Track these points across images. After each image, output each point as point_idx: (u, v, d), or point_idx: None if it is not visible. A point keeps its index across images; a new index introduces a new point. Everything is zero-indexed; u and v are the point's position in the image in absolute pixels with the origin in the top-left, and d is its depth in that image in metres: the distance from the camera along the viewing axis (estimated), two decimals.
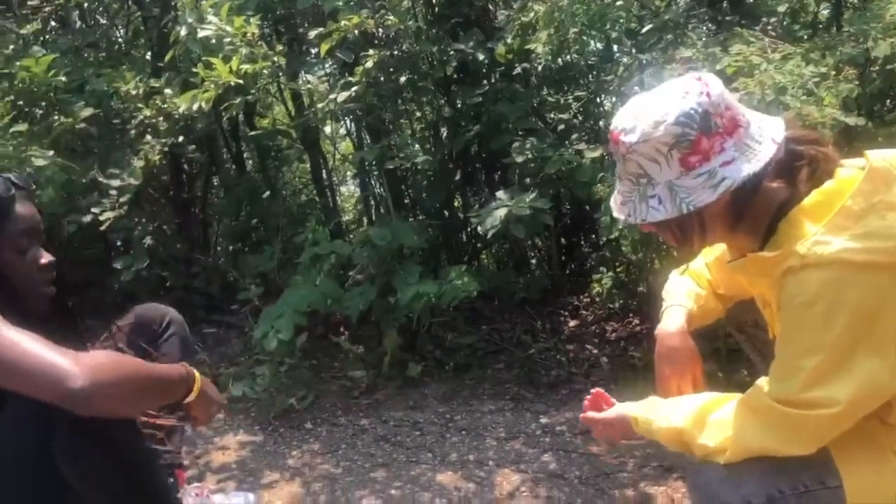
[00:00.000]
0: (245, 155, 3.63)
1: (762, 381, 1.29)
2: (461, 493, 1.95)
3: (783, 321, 1.24)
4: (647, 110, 1.24)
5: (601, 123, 3.10)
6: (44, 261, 1.51)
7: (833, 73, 2.02)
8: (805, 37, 2.33)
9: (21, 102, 2.70)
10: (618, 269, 2.95)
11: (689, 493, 1.38)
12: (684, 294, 1.62)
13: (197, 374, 1.47)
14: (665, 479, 1.94)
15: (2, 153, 2.37)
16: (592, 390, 1.55)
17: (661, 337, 1.55)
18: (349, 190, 4.25)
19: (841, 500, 1.25)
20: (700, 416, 1.39)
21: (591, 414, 1.50)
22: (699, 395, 1.45)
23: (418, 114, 2.97)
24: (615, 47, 2.96)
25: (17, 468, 1.34)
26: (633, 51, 2.75)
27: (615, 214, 1.32)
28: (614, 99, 3.07)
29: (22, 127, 2.58)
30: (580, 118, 3.00)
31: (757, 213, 1.29)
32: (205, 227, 3.48)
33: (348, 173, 3.99)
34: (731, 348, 2.33)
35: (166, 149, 2.79)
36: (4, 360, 1.23)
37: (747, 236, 1.34)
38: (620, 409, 1.49)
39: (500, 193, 2.36)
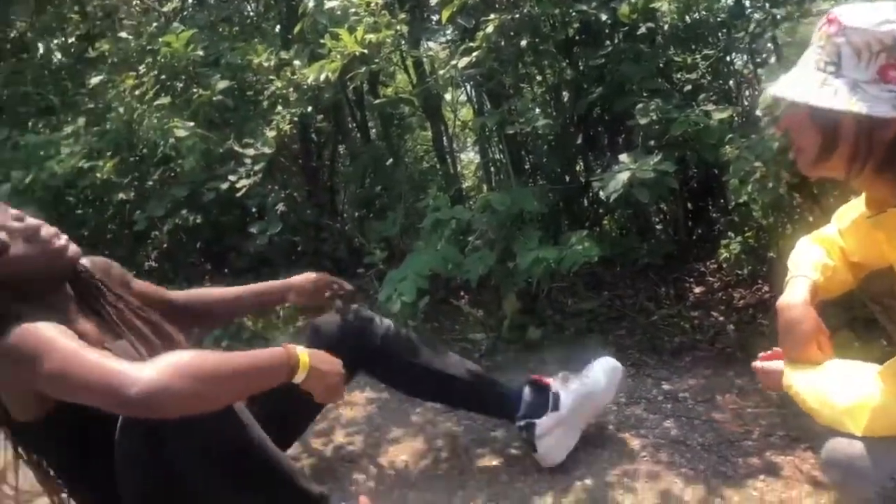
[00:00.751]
0: (369, 124, 3.73)
1: None
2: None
3: None
4: (878, 10, 1.19)
5: (731, 83, 2.98)
6: (32, 223, 1.48)
7: None
8: None
9: (164, 76, 2.88)
10: (747, 235, 2.84)
11: (825, 468, 1.34)
12: (811, 264, 1.55)
13: (302, 353, 1.45)
14: (792, 449, 1.88)
15: (148, 125, 2.55)
16: (773, 349, 1.57)
17: (782, 309, 1.50)
18: (469, 157, 4.28)
19: None
20: (837, 383, 1.36)
21: (758, 364, 1.56)
22: (839, 363, 1.40)
23: (539, 78, 2.95)
24: (747, 2, 2.82)
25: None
26: (767, 5, 2.61)
27: (773, 91, 1.29)
28: (745, 57, 2.94)
29: (165, 100, 2.76)
30: (708, 78, 2.89)
31: None
32: (332, 194, 3.61)
33: (469, 140, 4.02)
34: (869, 317, 2.20)
35: (296, 118, 2.90)
36: (64, 376, 1.27)
37: (891, 188, 1.27)
38: (783, 365, 1.49)
39: (622, 157, 2.31)
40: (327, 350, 1.56)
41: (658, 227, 3.24)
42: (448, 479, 1.96)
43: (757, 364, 1.57)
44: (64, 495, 1.57)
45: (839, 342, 2.23)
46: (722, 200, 3.20)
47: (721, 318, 2.64)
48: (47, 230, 1.49)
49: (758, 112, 2.15)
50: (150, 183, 2.97)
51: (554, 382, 1.97)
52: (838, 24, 1.19)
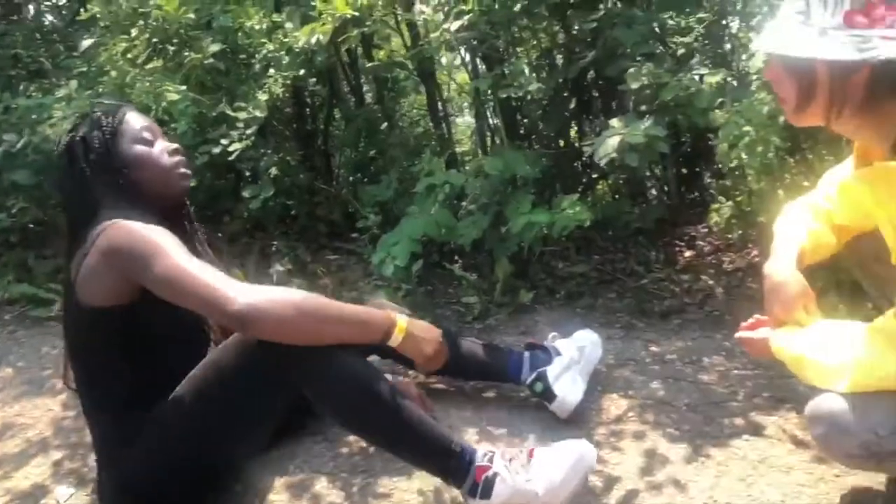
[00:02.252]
0: (364, 88, 3.72)
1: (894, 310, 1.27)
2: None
3: None
4: None
5: (727, 47, 2.98)
6: (171, 146, 1.72)
7: None
8: None
9: (155, 40, 2.87)
10: (738, 199, 2.86)
11: (809, 423, 1.38)
12: (797, 229, 1.58)
13: (401, 320, 1.60)
14: (776, 410, 1.92)
15: (140, 88, 2.54)
16: (754, 317, 1.63)
17: (769, 273, 1.53)
18: (465, 121, 4.28)
19: None
20: (823, 342, 1.39)
21: (741, 334, 1.61)
22: (825, 323, 1.44)
23: (533, 42, 2.94)
24: None
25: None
26: None
27: (757, 44, 1.33)
28: (740, 21, 2.93)
29: (157, 63, 2.75)
30: (703, 42, 2.89)
31: (889, 108, 1.24)
32: (327, 158, 3.61)
33: (464, 104, 4.01)
34: (855, 280, 2.24)
35: (288, 81, 2.90)
36: (180, 284, 1.45)
37: (875, 132, 1.29)
38: (768, 332, 1.53)
39: (613, 121, 2.32)
40: None
41: (651, 191, 3.25)
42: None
43: (741, 334, 1.61)
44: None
45: (825, 306, 2.27)
46: (715, 165, 3.21)
47: (710, 282, 2.68)
48: (181, 154, 1.74)
49: (750, 78, 2.16)
50: None
51: (548, 342, 2.04)
52: None
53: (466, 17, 2.28)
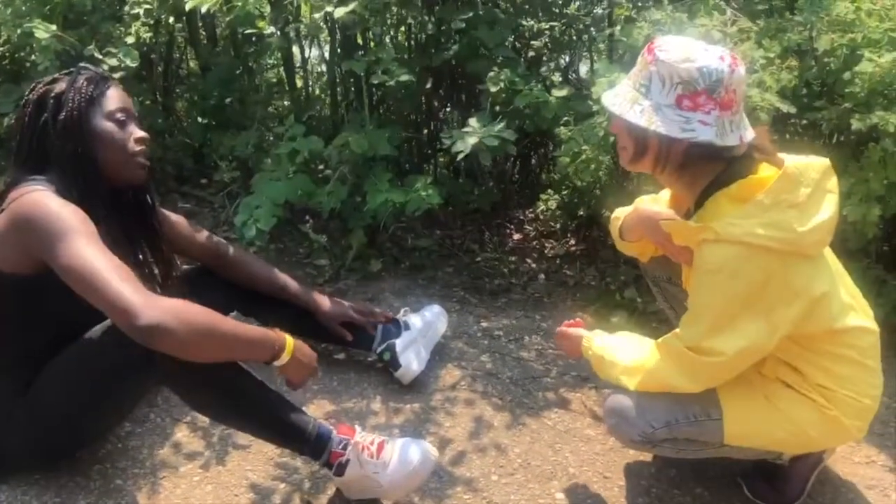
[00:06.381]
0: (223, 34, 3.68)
1: (676, 330, 1.64)
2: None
3: (694, 280, 1.59)
4: (687, 47, 1.50)
5: (567, 58, 3.32)
6: (139, 134, 1.74)
7: (778, 60, 2.30)
8: (763, 14, 2.57)
9: None
10: (564, 193, 3.24)
11: (606, 415, 1.76)
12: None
13: (289, 341, 1.67)
14: (581, 387, 2.32)
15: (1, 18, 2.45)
16: (577, 317, 1.98)
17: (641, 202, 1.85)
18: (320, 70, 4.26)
19: (720, 429, 1.66)
20: (622, 348, 1.77)
21: (562, 328, 1.94)
22: (626, 337, 1.81)
23: (402, 28, 3.12)
24: None
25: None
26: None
27: (604, 100, 1.61)
28: (584, 36, 3.27)
29: None
30: (549, 49, 3.22)
31: (698, 172, 1.60)
32: (175, 102, 3.58)
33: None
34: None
35: (151, 22, 2.88)
36: (87, 282, 1.45)
37: (686, 188, 1.66)
38: (583, 332, 1.88)
39: (472, 121, 2.57)
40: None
41: (489, 173, 3.56)
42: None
43: (560, 329, 1.96)
44: None
45: (626, 297, 2.71)
46: (542, 150, 3.56)
47: (534, 266, 3.05)
48: (147, 147, 1.75)
49: (589, 101, 2.50)
50: None
51: (400, 315, 2.31)
52: (653, 55, 1.53)
53: (353, 5, 2.41)
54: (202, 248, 2.14)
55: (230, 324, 1.57)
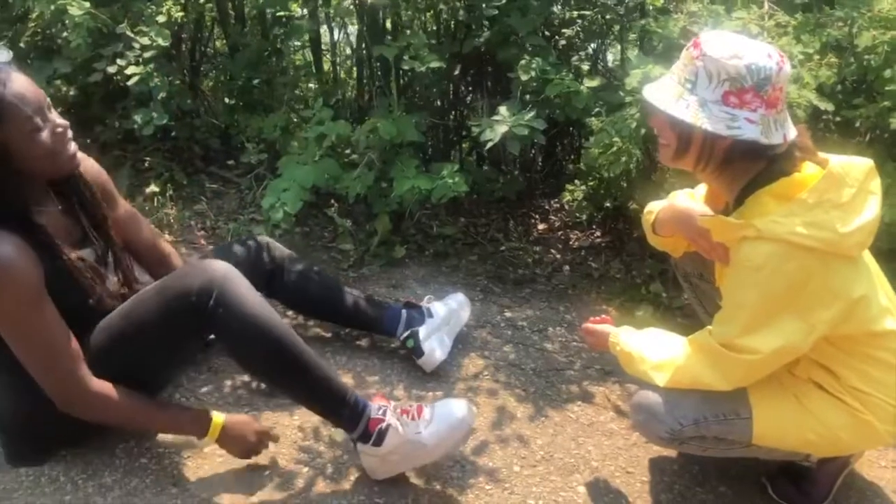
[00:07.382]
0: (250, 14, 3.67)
1: (709, 327, 1.63)
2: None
3: (732, 277, 1.56)
4: (735, 44, 1.48)
5: (597, 44, 3.28)
6: (59, 127, 1.61)
7: (817, 56, 2.26)
8: (801, 9, 2.52)
9: None
10: (590, 183, 3.21)
11: (633, 412, 1.75)
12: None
13: (216, 424, 1.79)
14: (605, 381, 2.30)
15: None
16: (603, 313, 1.97)
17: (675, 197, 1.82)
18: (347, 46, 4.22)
19: (749, 428, 1.64)
20: (651, 344, 1.75)
21: (588, 325, 1.91)
22: (655, 333, 1.79)
23: (430, 13, 3.09)
24: None
25: None
26: None
27: (646, 94, 1.58)
28: (615, 26, 3.23)
29: None
30: (582, 37, 3.18)
31: (740, 170, 1.58)
32: (210, 83, 3.59)
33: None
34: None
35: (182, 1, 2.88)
36: (17, 344, 1.60)
37: (726, 185, 1.63)
38: (609, 328, 1.86)
39: (501, 109, 2.56)
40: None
41: (515, 163, 3.54)
42: None
43: (587, 325, 1.94)
44: None
45: (651, 291, 2.69)
46: (574, 144, 3.53)
47: (558, 257, 3.03)
48: (70, 134, 1.65)
49: (620, 92, 2.47)
50: (24, 46, 2.83)
51: (424, 303, 2.30)
52: (700, 50, 1.50)
53: None
54: (147, 251, 2.07)
55: (149, 414, 1.78)
